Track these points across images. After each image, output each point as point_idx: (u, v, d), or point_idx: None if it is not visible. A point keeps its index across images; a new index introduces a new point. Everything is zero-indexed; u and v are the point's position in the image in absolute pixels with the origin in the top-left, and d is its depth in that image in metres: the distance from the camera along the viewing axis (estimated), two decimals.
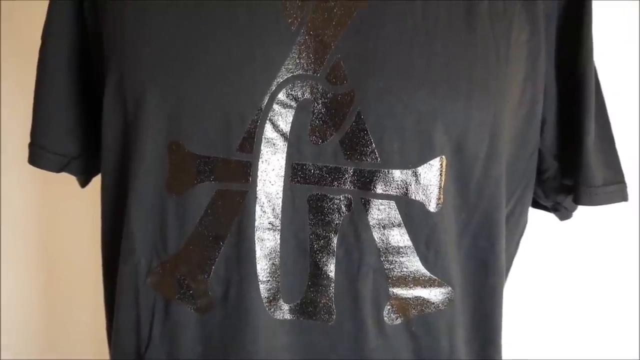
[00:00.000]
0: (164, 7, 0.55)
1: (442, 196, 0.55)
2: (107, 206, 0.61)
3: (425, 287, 0.57)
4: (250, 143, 0.53)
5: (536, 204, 0.70)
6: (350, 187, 0.54)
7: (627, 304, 1.02)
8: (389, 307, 0.56)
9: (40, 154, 0.64)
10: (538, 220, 0.99)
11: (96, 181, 1.04)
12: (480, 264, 0.59)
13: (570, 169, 0.63)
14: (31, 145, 0.65)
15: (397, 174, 0.53)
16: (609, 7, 0.93)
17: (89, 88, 0.64)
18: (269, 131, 0.53)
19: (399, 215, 0.54)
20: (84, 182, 0.71)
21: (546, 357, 1.05)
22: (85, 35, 0.62)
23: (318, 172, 0.54)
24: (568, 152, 0.63)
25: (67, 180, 1.05)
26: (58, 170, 0.65)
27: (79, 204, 1.09)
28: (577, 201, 0.63)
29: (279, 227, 0.55)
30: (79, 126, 0.65)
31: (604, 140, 0.65)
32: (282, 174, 0.54)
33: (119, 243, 0.59)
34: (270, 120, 0.53)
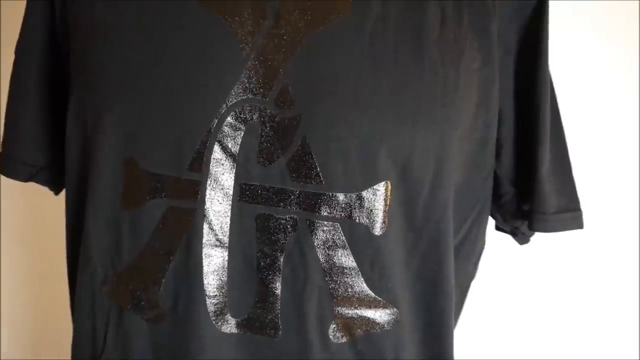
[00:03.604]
0: (125, 30, 0.57)
1: (387, 220, 0.56)
2: (70, 219, 0.64)
3: (370, 307, 0.58)
4: (200, 163, 0.55)
5: (497, 228, 0.71)
6: (296, 209, 0.55)
7: (627, 304, 1.03)
8: (334, 326, 0.58)
9: (9, 164, 0.67)
10: None
11: None
12: (429, 286, 0.60)
13: (526, 195, 0.64)
14: (1, 155, 0.68)
15: (341, 197, 0.55)
16: (609, 7, 0.94)
17: (59, 101, 0.66)
18: (217, 152, 0.55)
19: (344, 237, 0.56)
20: (55, 191, 0.74)
21: (546, 357, 1.06)
22: (57, 50, 0.65)
23: (265, 192, 0.56)
24: (524, 179, 0.64)
25: None
26: (26, 180, 0.68)
27: None
28: (531, 227, 0.64)
29: (227, 245, 0.56)
30: (47, 139, 0.67)
31: (560, 167, 0.65)
32: (231, 193, 0.56)
33: (79, 252, 0.61)
34: (219, 141, 0.55)
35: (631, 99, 0.97)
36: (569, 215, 0.65)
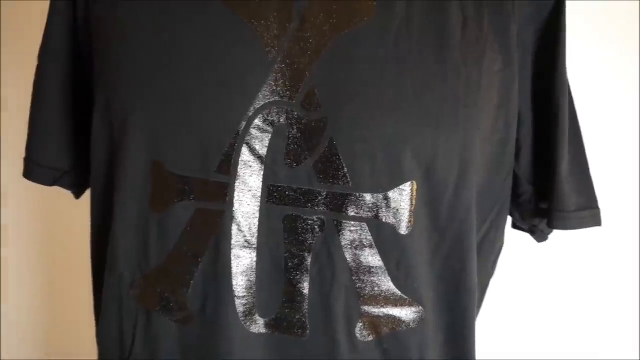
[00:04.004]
0: (148, 31, 0.57)
1: (412, 219, 0.57)
2: (95, 219, 0.65)
3: (396, 305, 0.59)
4: (228, 165, 0.56)
5: (514, 225, 0.72)
6: (323, 209, 0.56)
7: (628, 304, 1.03)
8: (360, 324, 0.58)
9: (34, 168, 0.68)
10: None
11: None
12: (452, 285, 0.61)
13: (545, 194, 0.65)
14: (26, 160, 0.68)
15: (368, 197, 0.56)
16: (609, 8, 0.94)
17: (81, 104, 0.67)
18: (245, 154, 0.56)
19: (370, 237, 0.57)
20: (77, 194, 0.74)
21: (546, 358, 1.06)
22: (79, 54, 0.66)
23: (292, 193, 0.56)
24: (542, 178, 0.65)
25: None
26: (51, 184, 0.68)
27: (80, 204, 1.11)
28: (550, 225, 0.65)
29: (255, 245, 0.57)
30: (71, 142, 0.68)
31: (578, 167, 0.66)
32: (259, 194, 0.56)
33: (106, 255, 0.61)
34: (247, 143, 0.55)
35: (631, 99, 0.98)
36: (587, 212, 0.66)
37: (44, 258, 1.16)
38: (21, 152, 1.07)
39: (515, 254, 0.99)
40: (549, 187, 0.64)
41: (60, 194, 1.10)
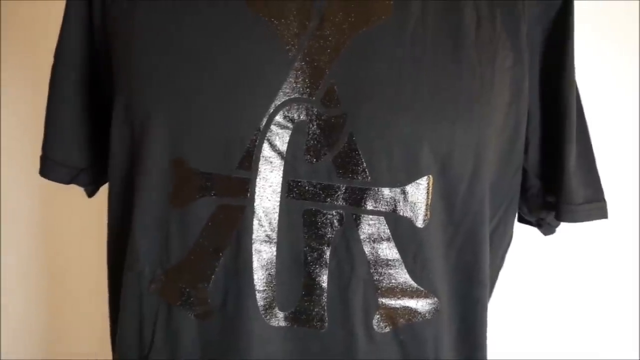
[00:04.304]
0: (168, 30, 0.58)
1: (429, 213, 0.58)
2: (113, 219, 0.65)
3: (412, 297, 0.60)
4: (249, 161, 0.57)
5: (521, 219, 0.74)
6: (342, 204, 0.57)
7: (628, 304, 1.04)
8: (378, 316, 0.60)
9: (51, 167, 0.68)
10: None
11: None
12: (465, 277, 0.63)
13: (553, 188, 0.67)
14: (42, 158, 0.69)
15: (386, 191, 0.57)
16: (609, 8, 0.95)
17: (97, 103, 0.68)
18: (266, 150, 0.57)
19: (388, 230, 0.58)
20: (91, 192, 0.74)
21: (546, 357, 1.07)
22: (95, 54, 0.66)
23: (312, 189, 0.57)
24: (550, 172, 0.67)
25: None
26: (68, 182, 0.69)
27: (81, 205, 1.09)
28: (559, 218, 0.67)
29: (275, 240, 0.58)
30: (88, 140, 0.68)
31: (586, 160, 0.68)
32: (279, 190, 0.58)
33: (124, 251, 0.62)
34: (268, 140, 0.57)
35: (631, 99, 0.99)
36: (594, 205, 0.68)
37: (43, 258, 1.16)
38: (21, 152, 1.07)
39: (515, 254, 1.00)
40: (557, 181, 0.66)
41: (60, 195, 1.11)
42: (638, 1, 0.97)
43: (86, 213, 1.09)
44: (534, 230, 0.84)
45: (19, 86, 1.08)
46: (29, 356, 1.19)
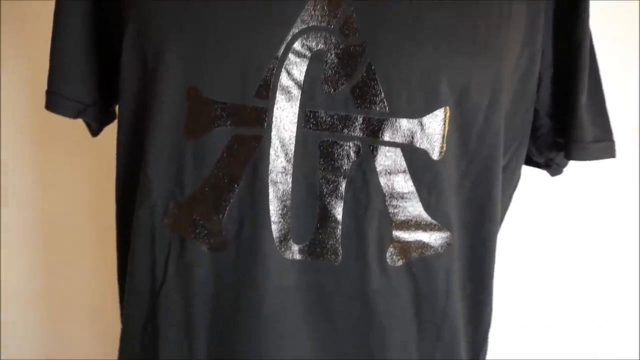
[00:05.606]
0: None
1: (445, 145, 0.58)
2: (123, 156, 0.64)
3: (425, 231, 0.60)
4: (267, 90, 0.56)
5: (529, 162, 0.74)
6: (360, 135, 0.57)
7: (628, 304, 1.05)
8: (391, 249, 0.60)
9: (57, 100, 0.67)
10: (541, 220, 1.01)
11: (95, 178, 1.05)
12: (477, 211, 0.63)
13: (563, 127, 0.67)
14: (48, 92, 0.67)
15: (404, 122, 0.57)
16: (609, 8, 0.94)
17: (103, 39, 0.66)
18: (284, 79, 0.56)
19: (404, 162, 0.58)
20: (96, 131, 0.73)
21: (546, 357, 1.07)
22: None
23: (329, 119, 0.57)
24: (561, 110, 0.67)
25: (66, 174, 1.05)
26: (75, 116, 0.68)
27: (80, 205, 1.10)
28: (568, 156, 0.68)
29: (291, 171, 0.58)
30: (94, 75, 0.67)
31: (595, 100, 0.69)
32: (296, 120, 0.57)
33: (134, 190, 0.61)
34: (286, 69, 0.56)
35: (631, 99, 0.99)
36: (603, 144, 0.69)
37: (43, 258, 1.15)
38: (21, 152, 1.05)
39: (515, 255, 1.01)
40: (568, 119, 0.66)
41: (60, 194, 1.10)
42: (638, 1, 0.96)
43: (87, 212, 1.10)
44: (534, 230, 0.86)
45: (19, 87, 1.06)
46: (29, 356, 1.19)
